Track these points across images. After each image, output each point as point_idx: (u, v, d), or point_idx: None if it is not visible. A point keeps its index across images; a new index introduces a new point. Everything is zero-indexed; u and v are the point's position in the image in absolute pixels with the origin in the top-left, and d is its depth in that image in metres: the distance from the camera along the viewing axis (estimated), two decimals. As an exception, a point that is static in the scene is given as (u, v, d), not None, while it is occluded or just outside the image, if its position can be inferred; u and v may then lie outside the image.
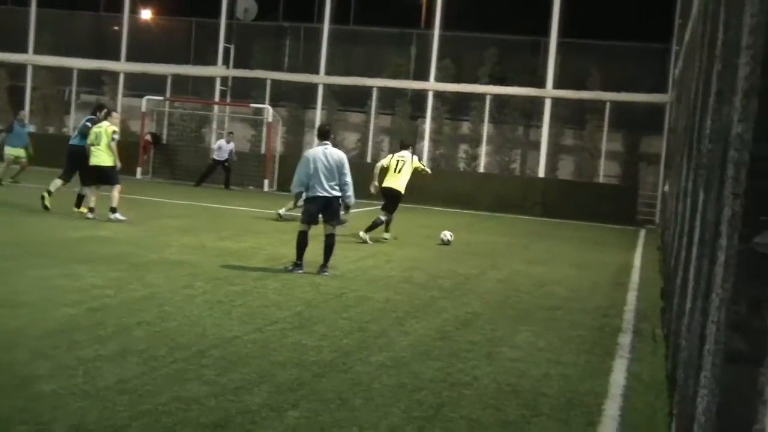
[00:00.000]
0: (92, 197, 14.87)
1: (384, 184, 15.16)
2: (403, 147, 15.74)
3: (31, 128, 23.91)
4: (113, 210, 14.71)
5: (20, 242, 11.51)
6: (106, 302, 8.00)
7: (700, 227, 4.78)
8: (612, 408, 5.94)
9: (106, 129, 14.82)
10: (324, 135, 11.21)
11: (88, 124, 15.33)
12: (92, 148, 14.77)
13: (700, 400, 3.22)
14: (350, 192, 10.85)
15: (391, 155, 15.65)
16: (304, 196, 10.96)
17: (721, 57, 4.15)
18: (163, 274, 9.77)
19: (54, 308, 7.56)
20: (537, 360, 7.15)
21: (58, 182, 15.64)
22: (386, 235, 15.10)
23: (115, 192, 14.77)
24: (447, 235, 15.37)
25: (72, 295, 8.16)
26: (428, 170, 16.42)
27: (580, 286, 11.74)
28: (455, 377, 6.38)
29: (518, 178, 26.98)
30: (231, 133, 26.77)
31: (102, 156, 14.77)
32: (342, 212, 11.42)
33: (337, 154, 10.84)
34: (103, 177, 14.85)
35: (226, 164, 25.39)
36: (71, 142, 15.84)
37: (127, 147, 21.23)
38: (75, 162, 15.38)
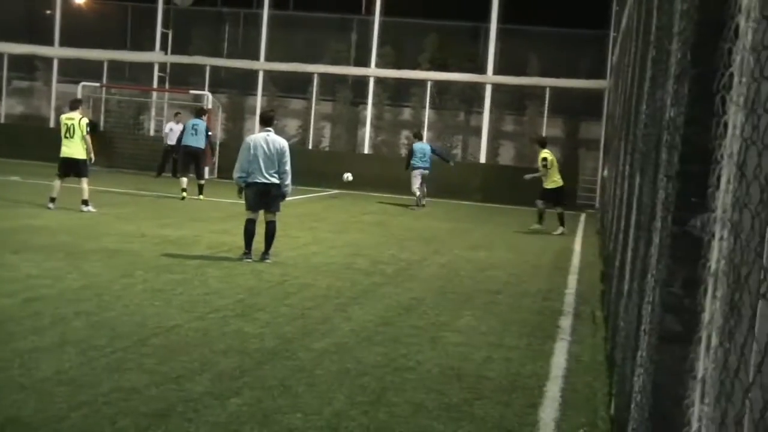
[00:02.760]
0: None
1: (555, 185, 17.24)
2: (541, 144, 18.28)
3: None
4: (85, 202, 14.51)
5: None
6: (42, 292, 7.85)
7: (637, 210, 4.88)
8: (553, 389, 6.03)
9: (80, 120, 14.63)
10: (267, 121, 11.09)
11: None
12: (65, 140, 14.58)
13: (636, 379, 3.29)
14: (288, 181, 10.76)
15: (548, 152, 17.43)
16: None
17: (654, 42, 4.23)
18: (102, 263, 9.62)
19: (-12, 299, 7.40)
20: (479, 344, 7.23)
21: None
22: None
23: (85, 184, 14.57)
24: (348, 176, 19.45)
25: (6, 286, 7.99)
26: None
27: (521, 270, 11.87)
28: (398, 362, 6.41)
29: (459, 163, 27.12)
30: (178, 113, 25.64)
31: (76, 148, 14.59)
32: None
33: (279, 142, 10.73)
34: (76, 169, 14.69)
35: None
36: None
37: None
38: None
